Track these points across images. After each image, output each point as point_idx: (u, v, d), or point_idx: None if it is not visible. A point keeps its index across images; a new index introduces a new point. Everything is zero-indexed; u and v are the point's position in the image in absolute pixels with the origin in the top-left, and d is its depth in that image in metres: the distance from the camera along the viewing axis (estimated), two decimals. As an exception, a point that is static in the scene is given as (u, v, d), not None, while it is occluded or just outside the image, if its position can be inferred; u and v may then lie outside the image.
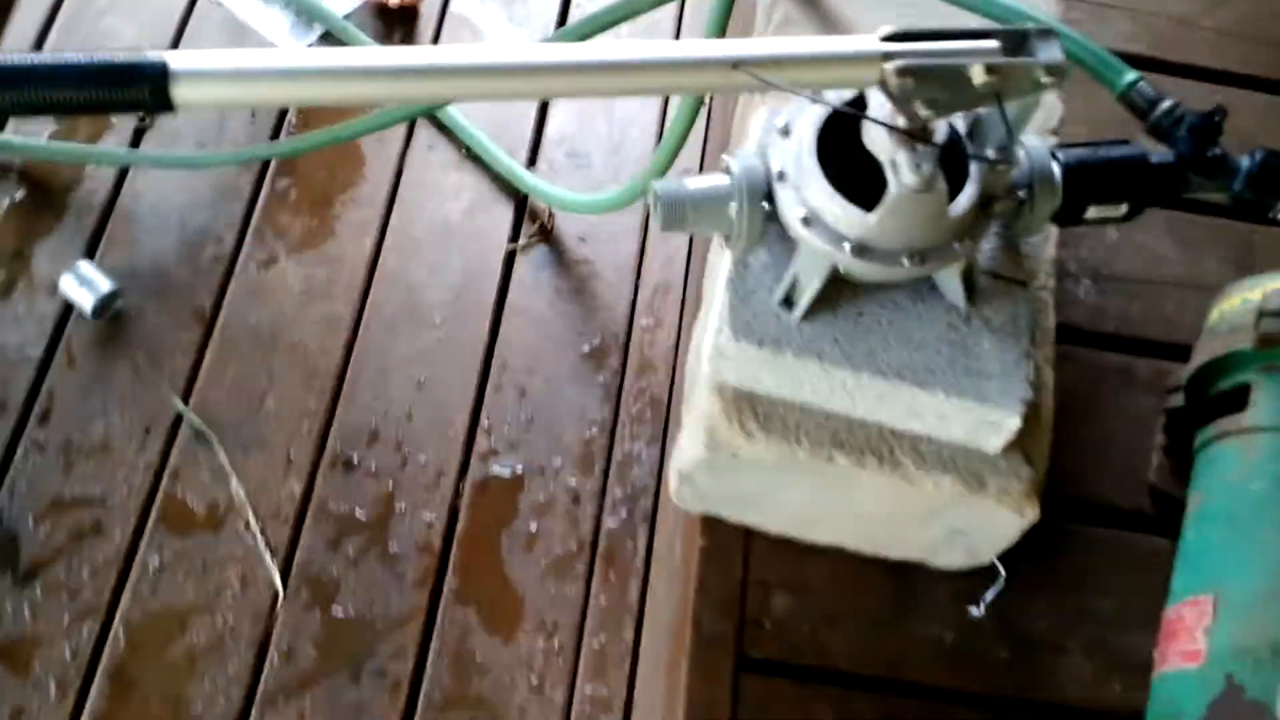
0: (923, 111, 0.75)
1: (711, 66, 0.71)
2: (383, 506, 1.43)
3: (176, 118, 1.66)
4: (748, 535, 1.01)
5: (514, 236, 1.63)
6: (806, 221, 0.80)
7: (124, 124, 1.66)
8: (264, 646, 1.35)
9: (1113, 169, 0.85)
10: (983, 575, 0.98)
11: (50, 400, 1.45)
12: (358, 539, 1.41)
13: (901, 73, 0.72)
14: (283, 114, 1.69)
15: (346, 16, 1.77)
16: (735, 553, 1.00)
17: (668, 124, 1.75)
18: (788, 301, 0.86)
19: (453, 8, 1.81)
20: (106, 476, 1.42)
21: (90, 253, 1.55)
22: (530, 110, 1.72)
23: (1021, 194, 0.84)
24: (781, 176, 0.82)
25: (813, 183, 0.80)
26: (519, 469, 1.47)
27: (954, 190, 0.80)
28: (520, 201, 1.65)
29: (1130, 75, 0.91)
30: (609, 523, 1.45)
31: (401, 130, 1.69)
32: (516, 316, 1.57)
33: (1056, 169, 0.84)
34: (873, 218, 0.78)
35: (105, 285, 1.49)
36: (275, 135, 1.68)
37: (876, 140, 0.77)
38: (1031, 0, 1.08)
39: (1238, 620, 0.82)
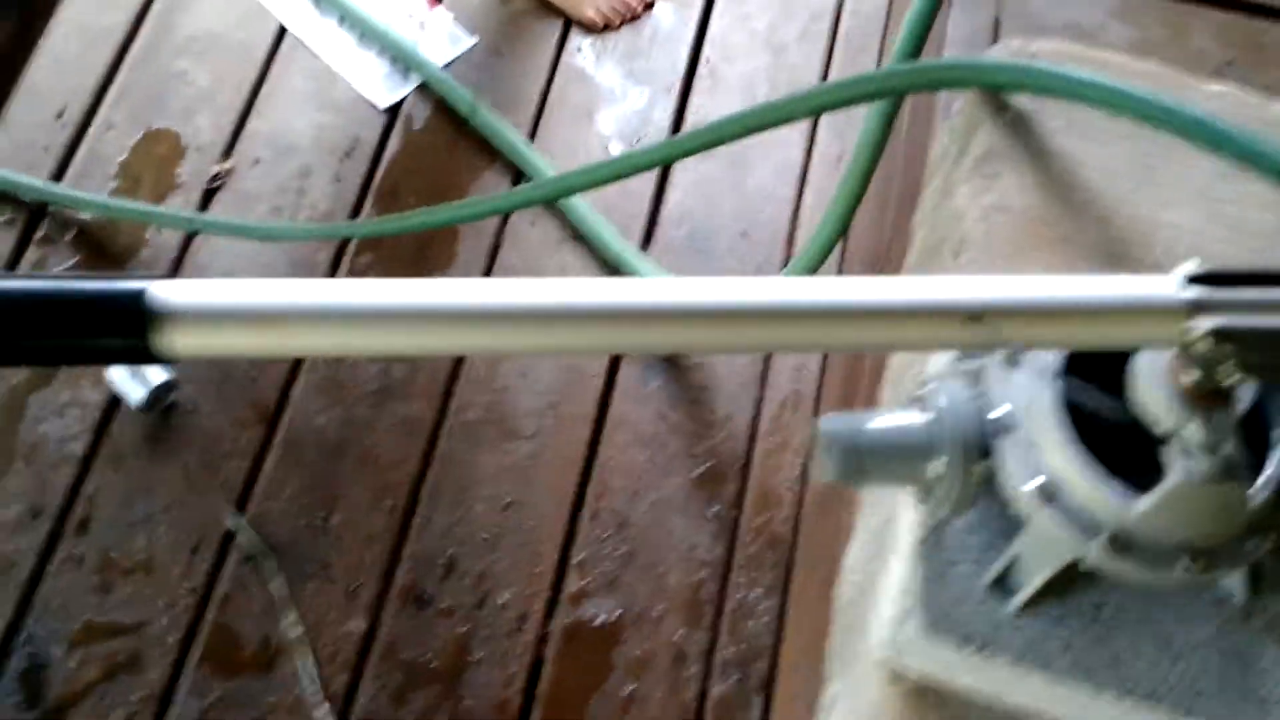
0: (1229, 378, 0.52)
1: (938, 316, 0.49)
2: (456, 653, 1.24)
3: (249, 180, 1.48)
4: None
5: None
6: (1043, 495, 0.58)
7: (193, 182, 1.48)
8: (310, 818, 1.16)
9: None
10: None
11: (91, 506, 1.28)
12: (427, 691, 1.22)
13: (1218, 336, 0.50)
14: (369, 176, 1.50)
15: (446, 66, 1.57)
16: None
17: (811, 202, 1.54)
18: (1000, 583, 0.64)
19: (567, 60, 1.60)
20: (147, 601, 1.24)
21: (146, 333, 1.37)
22: (648, 184, 1.51)
23: (1341, 458, 0.60)
24: (1007, 427, 0.59)
25: (1057, 445, 0.57)
26: (615, 615, 1.27)
27: (1257, 460, 0.57)
28: (630, 290, 1.44)
29: None
30: (717, 688, 1.24)
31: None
32: (620, 430, 1.36)
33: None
34: (1143, 505, 0.56)
35: (159, 375, 1.31)
36: (361, 199, 1.49)
37: (1153, 402, 0.55)
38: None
39: None
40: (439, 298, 0.49)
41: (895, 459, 0.61)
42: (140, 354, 0.46)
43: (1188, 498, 0.55)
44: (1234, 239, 0.81)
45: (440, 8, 1.63)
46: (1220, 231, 0.81)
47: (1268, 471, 0.57)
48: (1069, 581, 0.63)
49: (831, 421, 0.63)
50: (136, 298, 0.45)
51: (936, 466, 0.60)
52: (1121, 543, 0.57)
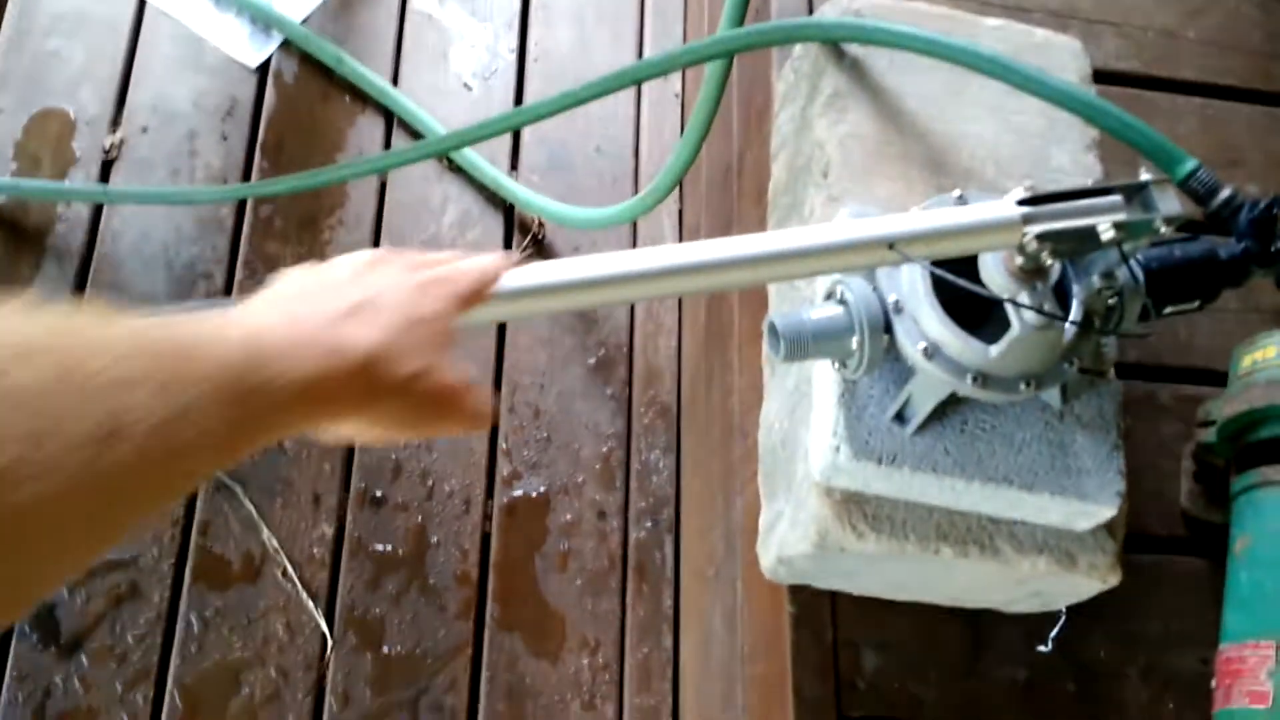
0: (1047, 259, 0.79)
1: (869, 247, 0.74)
2: (416, 540, 1.46)
3: (142, 148, 1.60)
4: (832, 597, 1.07)
5: (507, 249, 1.63)
6: (927, 353, 0.84)
7: (89, 155, 1.59)
8: (320, 693, 1.38)
9: (1189, 269, 0.91)
10: (1047, 613, 1.07)
11: (64, 463, 1.42)
12: (396, 575, 1.44)
13: (1041, 237, 0.76)
14: (254, 132, 1.64)
15: (304, 21, 1.71)
16: (824, 616, 1.07)
17: (648, 115, 1.75)
18: (899, 417, 0.91)
19: (413, 5, 1.76)
20: (134, 537, 1.40)
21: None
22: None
23: (1112, 302, 0.89)
24: (897, 308, 0.86)
25: (932, 317, 0.84)
26: (543, 489, 1.51)
27: (1062, 315, 0.85)
28: (508, 211, 1.65)
29: (1189, 164, 0.96)
30: (636, 534, 1.50)
31: (379, 142, 1.66)
32: (521, 334, 1.58)
33: (1141, 275, 0.90)
34: (995, 350, 0.83)
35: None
36: (250, 154, 1.63)
37: (995, 279, 0.82)
38: (1065, 75, 1.12)
39: (1301, 667, 0.93)
40: (611, 266, 0.70)
41: (827, 340, 0.87)
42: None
43: (1024, 342, 0.82)
44: (1019, 141, 1.08)
45: (286, -36, 1.76)
46: (1009, 136, 1.08)
47: (1071, 317, 0.85)
48: (943, 409, 0.91)
49: (780, 317, 0.87)
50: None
51: (855, 341, 0.86)
52: (983, 378, 0.84)
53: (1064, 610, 1.06)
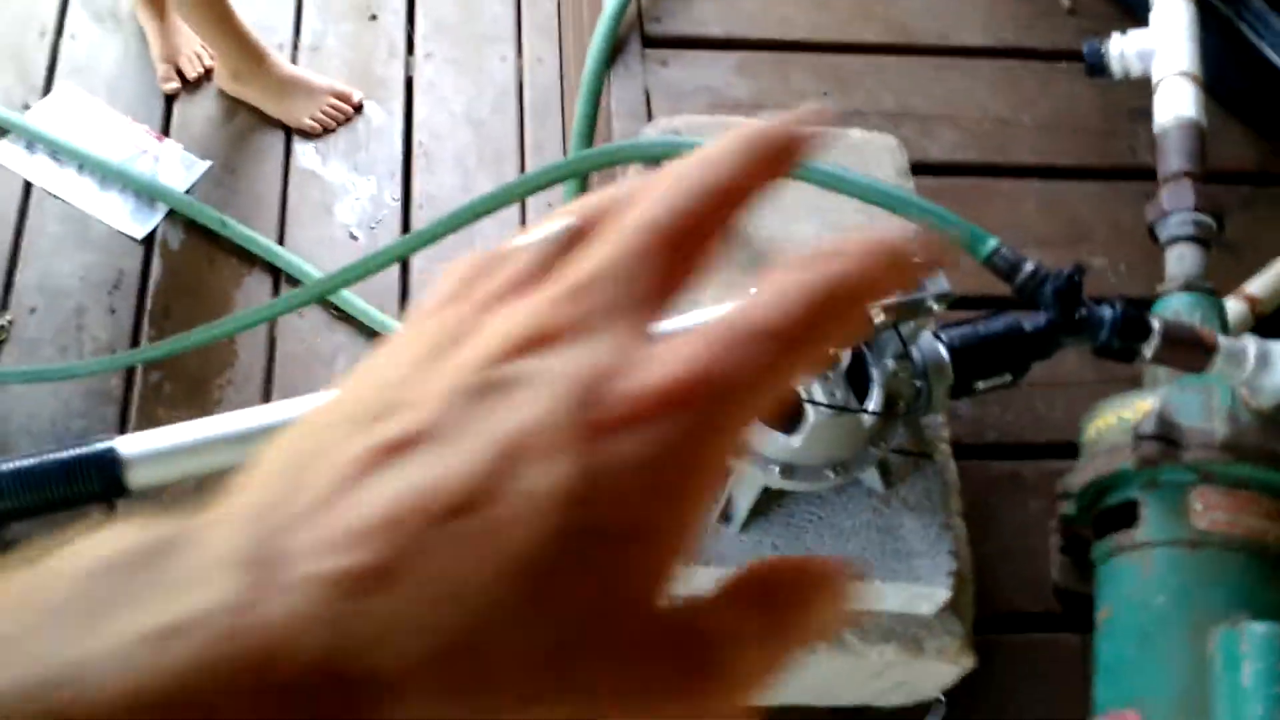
0: (830, 347, 0.81)
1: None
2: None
3: (30, 328, 1.63)
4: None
5: (399, 392, 1.64)
6: (733, 450, 0.85)
7: (-23, 340, 1.61)
8: None
9: (994, 344, 0.93)
10: (923, 706, 1.06)
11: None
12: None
13: (810, 326, 0.78)
14: (140, 305, 1.66)
15: (190, 189, 1.75)
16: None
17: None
18: (724, 517, 0.91)
19: (297, 163, 1.81)
20: None
21: (-33, 484, 1.50)
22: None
23: (918, 383, 0.90)
24: (702, 408, 0.87)
25: (734, 414, 0.85)
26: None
27: (860, 396, 0.86)
28: (398, 355, 1.66)
29: (991, 243, 0.98)
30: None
31: (267, 295, 1.68)
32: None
33: (945, 353, 0.91)
34: (796, 441, 0.84)
35: (-9, 519, 1.44)
36: (137, 324, 1.65)
37: (788, 371, 0.83)
38: (881, 171, 1.16)
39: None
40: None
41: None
42: (117, 494, 0.67)
43: (823, 430, 0.83)
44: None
45: (168, 140, 1.80)
46: (830, 234, 1.11)
47: (871, 401, 0.86)
48: (766, 502, 0.91)
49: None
50: (109, 453, 0.66)
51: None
52: (788, 469, 0.85)
53: (943, 699, 1.05)
